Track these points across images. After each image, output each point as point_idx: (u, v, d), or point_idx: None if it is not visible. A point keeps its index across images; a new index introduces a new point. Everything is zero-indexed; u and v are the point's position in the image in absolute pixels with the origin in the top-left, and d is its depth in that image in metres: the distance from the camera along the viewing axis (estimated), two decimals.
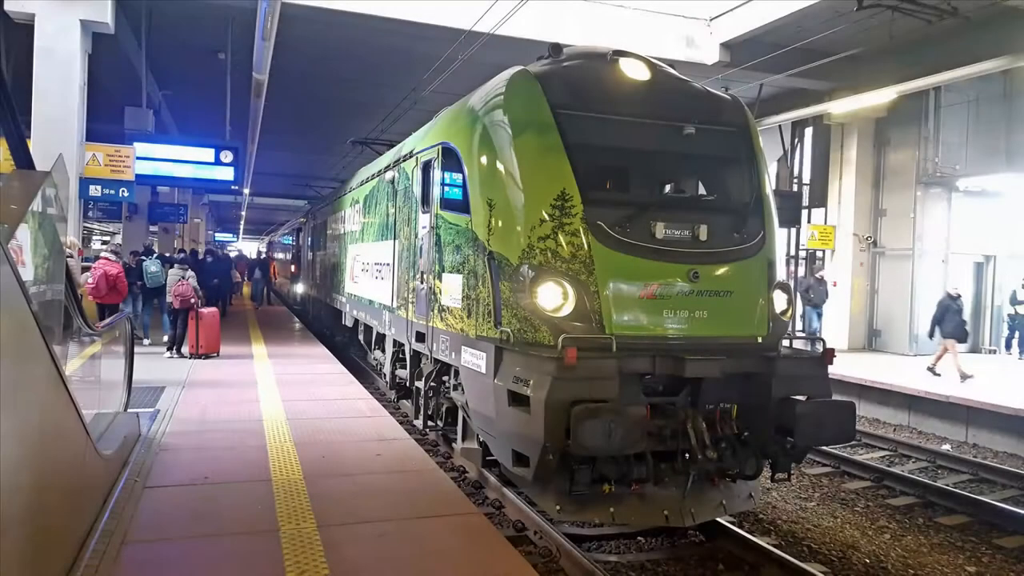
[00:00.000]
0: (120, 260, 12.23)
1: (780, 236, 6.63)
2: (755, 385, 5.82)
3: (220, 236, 57.40)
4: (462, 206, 6.58)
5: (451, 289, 6.77)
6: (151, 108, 16.41)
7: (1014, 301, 15.87)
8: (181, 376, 9.87)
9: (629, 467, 5.34)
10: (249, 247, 60.13)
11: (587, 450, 4.95)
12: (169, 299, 11.67)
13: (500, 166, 6.10)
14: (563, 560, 5.57)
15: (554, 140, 5.90)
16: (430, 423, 8.28)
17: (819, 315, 16.36)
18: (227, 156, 13.78)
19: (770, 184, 6.77)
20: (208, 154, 13.78)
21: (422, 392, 8.19)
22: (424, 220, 7.78)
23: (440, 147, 7.32)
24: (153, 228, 23.04)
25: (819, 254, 18.87)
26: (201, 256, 21.00)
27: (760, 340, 6.08)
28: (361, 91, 18.49)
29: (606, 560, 5.80)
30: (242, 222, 50.67)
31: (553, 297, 5.58)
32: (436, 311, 7.20)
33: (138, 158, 12.76)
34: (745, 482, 6.05)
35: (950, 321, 12.70)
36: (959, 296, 12.98)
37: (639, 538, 6.29)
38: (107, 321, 8.30)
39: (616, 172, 7.31)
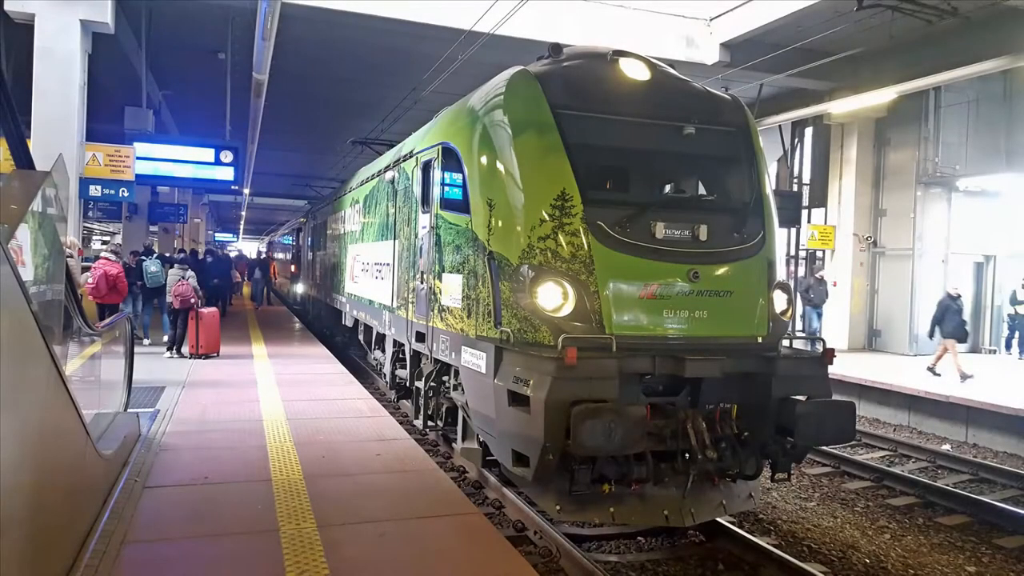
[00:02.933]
0: (120, 260, 12.24)
1: (780, 236, 6.63)
2: (755, 385, 5.82)
3: (220, 236, 57.39)
4: (462, 206, 6.58)
5: (451, 289, 6.77)
6: (151, 108, 16.42)
7: (1014, 301, 15.87)
8: (181, 376, 9.87)
9: (629, 467, 5.34)
10: (249, 247, 60.15)
11: (587, 450, 4.95)
12: (169, 299, 11.67)
13: (500, 166, 6.10)
14: (563, 560, 5.57)
15: (554, 140, 5.90)
16: (430, 423, 8.28)
17: (819, 315, 16.35)
18: (227, 156, 13.79)
19: (770, 184, 6.77)
20: (208, 154, 13.78)
21: (422, 392, 8.19)
22: (424, 220, 7.78)
23: (440, 147, 7.32)
24: (153, 228, 23.03)
25: (819, 254, 18.87)
26: (201, 256, 21.00)
27: (760, 340, 6.08)
28: (361, 91, 18.50)
29: (606, 560, 5.80)
30: (242, 222, 50.74)
31: (553, 297, 5.58)
32: (436, 311, 7.19)
33: (138, 158, 12.77)
34: (745, 482, 6.05)
35: (950, 321, 12.69)
36: (959, 296, 12.98)
37: (639, 538, 6.29)
38: (107, 321, 8.30)
39: (616, 172, 7.31)
